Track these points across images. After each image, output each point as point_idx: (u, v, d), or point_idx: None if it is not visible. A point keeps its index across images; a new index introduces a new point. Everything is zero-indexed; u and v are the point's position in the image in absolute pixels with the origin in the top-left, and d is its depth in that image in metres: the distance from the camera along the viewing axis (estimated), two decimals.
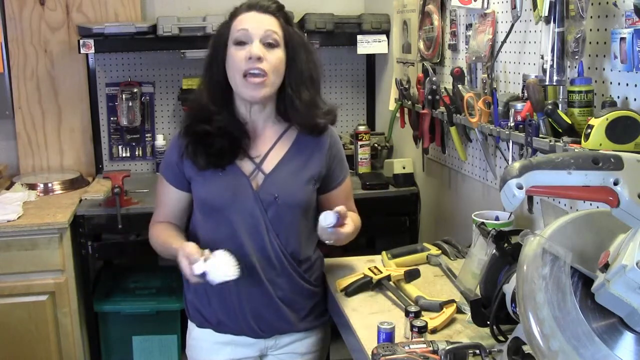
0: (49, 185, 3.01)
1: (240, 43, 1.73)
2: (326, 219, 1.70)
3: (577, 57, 1.61)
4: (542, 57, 1.71)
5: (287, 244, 1.81)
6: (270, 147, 1.83)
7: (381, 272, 1.82)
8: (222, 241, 1.77)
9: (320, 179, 1.86)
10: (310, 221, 1.86)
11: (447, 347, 1.36)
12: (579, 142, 1.53)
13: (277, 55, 1.74)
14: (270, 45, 1.73)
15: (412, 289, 1.76)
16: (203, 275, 1.64)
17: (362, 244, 3.26)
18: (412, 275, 1.82)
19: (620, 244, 1.14)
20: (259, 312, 1.81)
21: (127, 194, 2.80)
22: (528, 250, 1.20)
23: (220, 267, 1.64)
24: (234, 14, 1.79)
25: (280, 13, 1.78)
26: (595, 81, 1.64)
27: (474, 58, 2.19)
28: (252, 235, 1.78)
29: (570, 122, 1.63)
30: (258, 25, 1.73)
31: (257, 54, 1.70)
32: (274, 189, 1.78)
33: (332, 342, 2.04)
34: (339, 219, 1.71)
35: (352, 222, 1.78)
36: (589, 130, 1.47)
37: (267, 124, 1.84)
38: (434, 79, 2.45)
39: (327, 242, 1.79)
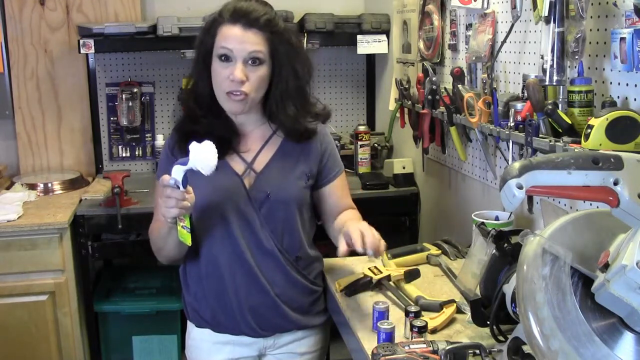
0: (49, 185, 3.01)
1: (224, 58, 1.72)
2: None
3: (577, 57, 1.61)
4: (542, 57, 1.71)
5: (282, 240, 1.81)
6: (261, 146, 1.84)
7: (381, 272, 1.82)
8: (218, 240, 1.79)
9: (312, 175, 1.86)
10: (306, 218, 1.87)
11: (447, 347, 1.36)
12: (579, 142, 1.53)
13: (260, 73, 1.73)
14: (255, 63, 1.71)
15: (412, 289, 1.76)
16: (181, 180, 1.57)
17: None
18: (412, 275, 1.82)
19: (620, 244, 1.14)
20: (257, 309, 1.81)
21: (127, 194, 2.80)
22: (528, 250, 1.20)
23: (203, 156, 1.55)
24: (219, 21, 1.74)
25: (267, 28, 1.72)
26: (595, 81, 1.64)
27: (474, 58, 2.19)
28: (247, 233, 1.79)
29: (570, 122, 1.63)
30: (242, 46, 1.70)
31: (239, 79, 1.69)
32: (266, 186, 1.79)
33: (332, 342, 2.04)
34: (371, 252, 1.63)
35: (358, 219, 1.84)
36: (589, 130, 1.47)
37: (256, 125, 1.86)
38: (434, 79, 2.45)
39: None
